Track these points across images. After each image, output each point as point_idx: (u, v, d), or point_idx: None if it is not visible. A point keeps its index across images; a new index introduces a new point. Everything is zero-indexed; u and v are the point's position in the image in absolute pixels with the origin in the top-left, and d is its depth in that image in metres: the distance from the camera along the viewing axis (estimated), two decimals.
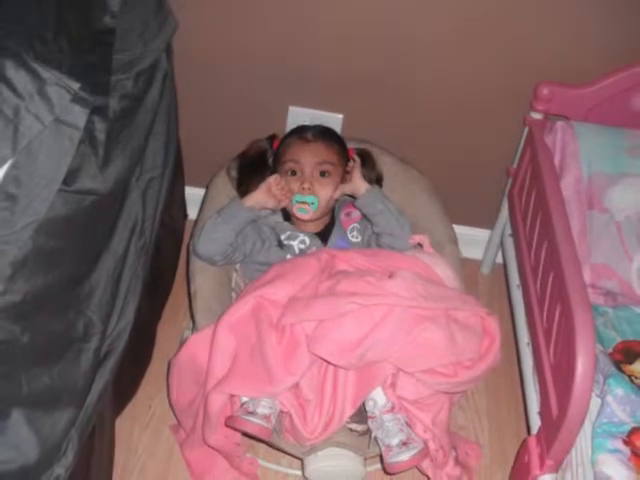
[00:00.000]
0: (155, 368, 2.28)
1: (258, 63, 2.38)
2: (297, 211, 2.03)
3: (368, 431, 1.76)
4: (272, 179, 2.01)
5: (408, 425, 1.72)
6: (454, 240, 2.14)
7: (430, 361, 1.67)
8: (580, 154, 2.11)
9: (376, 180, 2.16)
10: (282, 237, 2.07)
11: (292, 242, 2.06)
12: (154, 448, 2.12)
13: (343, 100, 2.44)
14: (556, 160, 2.14)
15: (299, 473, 2.00)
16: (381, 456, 1.73)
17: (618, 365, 1.75)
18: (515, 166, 2.39)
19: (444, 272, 1.90)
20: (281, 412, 1.73)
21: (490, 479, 2.14)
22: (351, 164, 2.11)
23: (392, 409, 1.71)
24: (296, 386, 1.71)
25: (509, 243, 2.41)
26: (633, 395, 1.63)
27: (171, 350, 2.19)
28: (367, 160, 2.17)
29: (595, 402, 1.65)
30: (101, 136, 1.53)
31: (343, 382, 1.70)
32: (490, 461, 2.19)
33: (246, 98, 2.48)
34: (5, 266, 1.29)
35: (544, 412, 1.75)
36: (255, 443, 2.02)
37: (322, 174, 2.04)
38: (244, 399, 1.72)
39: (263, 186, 2.01)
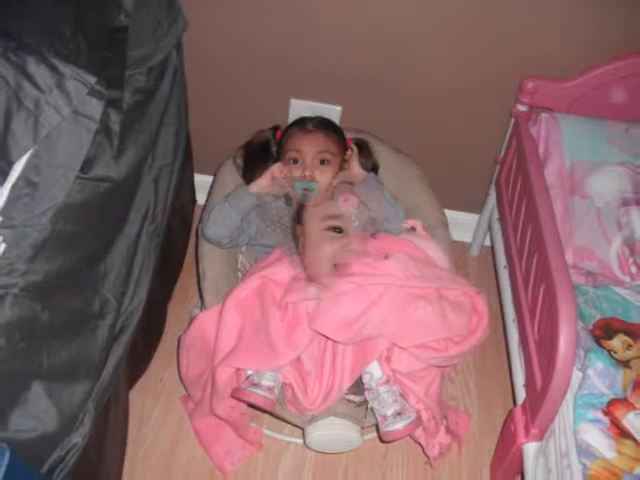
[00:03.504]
0: (166, 344, 2.29)
1: (262, 59, 2.37)
2: (299, 197, 2.03)
3: (365, 402, 1.77)
4: (275, 167, 2.02)
5: (402, 396, 1.73)
6: (445, 224, 2.14)
7: (423, 337, 1.68)
8: (563, 144, 2.11)
9: (372, 168, 2.16)
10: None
11: None
12: (165, 418, 2.13)
13: (341, 93, 2.43)
14: (540, 149, 2.14)
15: (300, 441, 2.01)
16: (377, 425, 1.74)
17: (598, 340, 1.75)
18: (502, 155, 2.39)
19: (436, 254, 1.90)
20: (284, 384, 1.74)
21: (479, 447, 2.15)
22: (349, 153, 2.11)
23: (387, 381, 1.72)
24: (298, 360, 1.72)
25: (496, 227, 2.41)
26: (612, 369, 1.64)
27: (181, 327, 2.21)
28: (364, 149, 2.16)
29: (576, 375, 1.65)
30: (116, 127, 1.53)
31: (341, 356, 1.71)
32: (478, 430, 2.20)
33: (251, 91, 2.48)
34: (27, 248, 1.30)
35: (529, 384, 1.76)
36: (259, 413, 2.03)
37: (322, 162, 2.04)
38: (249, 372, 1.73)
39: (267, 173, 2.01)
